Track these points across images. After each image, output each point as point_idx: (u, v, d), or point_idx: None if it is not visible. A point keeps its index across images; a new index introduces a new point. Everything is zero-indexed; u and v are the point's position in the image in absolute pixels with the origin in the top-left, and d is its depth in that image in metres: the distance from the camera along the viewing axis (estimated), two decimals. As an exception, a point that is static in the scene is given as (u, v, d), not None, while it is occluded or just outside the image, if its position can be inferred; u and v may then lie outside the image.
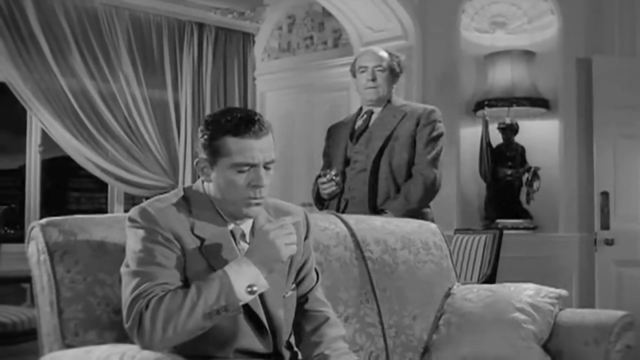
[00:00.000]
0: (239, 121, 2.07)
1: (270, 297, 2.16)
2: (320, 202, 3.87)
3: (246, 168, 2.09)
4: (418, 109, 3.85)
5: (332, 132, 4.04)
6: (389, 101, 3.86)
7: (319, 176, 3.79)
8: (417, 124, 3.76)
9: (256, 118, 2.10)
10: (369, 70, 3.81)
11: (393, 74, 3.85)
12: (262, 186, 2.11)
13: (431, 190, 3.72)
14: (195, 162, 2.17)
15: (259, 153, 2.09)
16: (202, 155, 2.13)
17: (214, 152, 2.09)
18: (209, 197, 2.16)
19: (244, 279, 1.99)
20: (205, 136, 2.11)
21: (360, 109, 3.95)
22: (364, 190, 3.73)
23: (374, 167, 3.73)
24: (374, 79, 3.80)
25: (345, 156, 3.84)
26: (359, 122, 3.89)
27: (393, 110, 3.83)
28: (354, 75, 3.91)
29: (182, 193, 2.18)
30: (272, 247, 2.02)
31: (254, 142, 2.08)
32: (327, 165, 3.95)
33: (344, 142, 3.87)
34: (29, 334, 4.16)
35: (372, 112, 3.88)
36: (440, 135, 3.78)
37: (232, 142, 2.07)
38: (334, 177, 3.70)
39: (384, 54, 3.85)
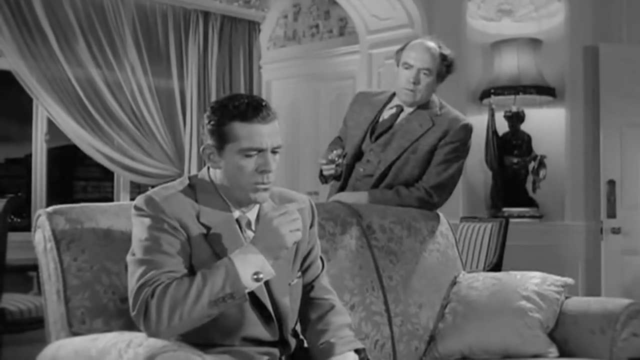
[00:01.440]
0: (247, 106, 2.08)
1: (276, 285, 2.17)
2: (324, 176, 3.56)
3: (254, 153, 2.09)
4: (449, 120, 3.39)
5: (356, 103, 3.64)
6: (424, 105, 3.43)
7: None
8: (443, 137, 3.35)
9: (263, 104, 2.11)
10: (413, 70, 3.35)
11: (438, 77, 3.40)
12: (270, 171, 2.12)
13: (423, 208, 3.36)
14: (201, 149, 2.16)
15: (267, 138, 2.09)
16: (209, 141, 2.12)
17: (222, 137, 2.09)
18: (215, 185, 2.16)
19: (250, 266, 2.00)
20: (212, 122, 2.10)
21: (394, 94, 3.53)
22: None
23: (381, 179, 3.42)
24: (415, 82, 3.35)
25: (359, 147, 3.49)
26: (385, 115, 3.49)
27: (422, 118, 3.40)
28: (397, 65, 3.44)
29: (187, 181, 2.18)
30: (277, 234, 2.02)
31: (262, 127, 2.08)
32: (344, 134, 3.63)
33: (363, 130, 3.51)
34: (35, 322, 4.17)
35: (401, 110, 3.46)
36: (458, 158, 3.38)
37: (240, 127, 2.07)
38: (335, 159, 3.44)
39: (436, 55, 3.37)
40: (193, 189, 2.15)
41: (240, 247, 2.07)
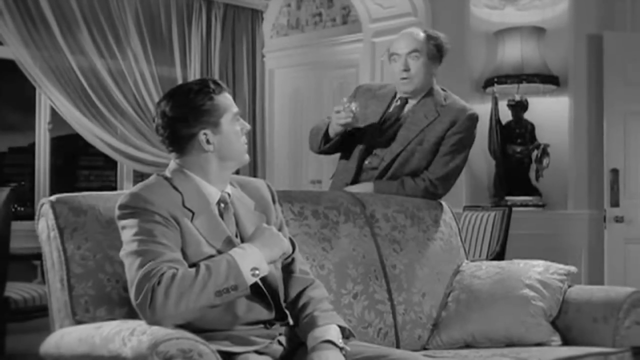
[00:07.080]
0: (212, 82, 2.22)
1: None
2: (326, 139, 3.48)
3: (238, 115, 2.28)
4: (455, 110, 3.36)
5: (360, 97, 3.52)
6: (428, 92, 3.40)
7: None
8: (450, 127, 3.33)
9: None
10: (401, 59, 3.34)
11: (431, 59, 3.35)
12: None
13: (427, 199, 3.35)
14: (201, 140, 2.20)
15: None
16: (200, 127, 2.19)
17: (216, 112, 2.20)
18: (188, 175, 2.22)
19: (250, 260, 2.07)
20: (200, 105, 2.18)
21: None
22: None
23: (386, 170, 3.38)
24: (406, 69, 3.32)
25: (370, 142, 3.43)
26: (393, 108, 3.45)
27: (427, 108, 3.37)
28: (390, 62, 3.44)
29: (160, 177, 2.23)
30: (275, 236, 2.17)
31: (228, 94, 2.27)
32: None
33: (370, 123, 3.44)
34: (40, 311, 4.19)
35: (406, 102, 3.43)
36: (464, 148, 3.37)
37: (223, 98, 2.22)
38: (352, 109, 3.29)
39: (420, 37, 3.35)
40: (169, 180, 2.21)
41: (221, 231, 2.17)
